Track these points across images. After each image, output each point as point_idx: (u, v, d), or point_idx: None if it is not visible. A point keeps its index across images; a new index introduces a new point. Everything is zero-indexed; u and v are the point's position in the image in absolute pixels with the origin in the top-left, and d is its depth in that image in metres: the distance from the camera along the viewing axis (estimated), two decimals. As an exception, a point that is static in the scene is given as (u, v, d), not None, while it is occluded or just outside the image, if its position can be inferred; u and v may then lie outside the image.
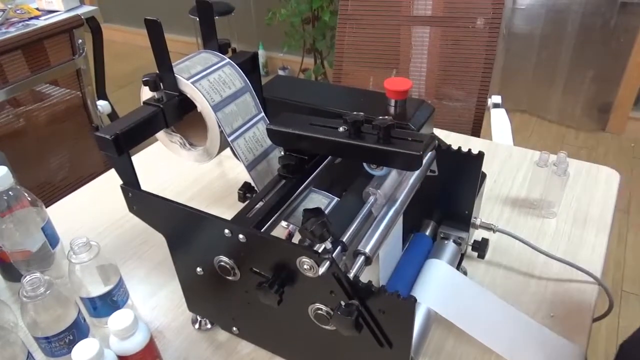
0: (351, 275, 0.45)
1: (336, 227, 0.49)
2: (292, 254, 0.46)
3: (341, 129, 0.53)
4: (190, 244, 0.56)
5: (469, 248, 0.70)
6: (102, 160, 1.45)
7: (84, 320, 0.63)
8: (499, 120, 1.23)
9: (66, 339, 0.60)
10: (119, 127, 0.53)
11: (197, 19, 0.64)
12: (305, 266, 0.46)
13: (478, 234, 0.72)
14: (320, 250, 0.45)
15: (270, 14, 2.48)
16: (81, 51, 1.30)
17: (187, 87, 0.57)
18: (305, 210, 0.49)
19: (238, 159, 0.60)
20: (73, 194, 0.93)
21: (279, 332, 0.57)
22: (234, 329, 0.62)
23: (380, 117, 0.51)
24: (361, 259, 0.46)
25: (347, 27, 1.41)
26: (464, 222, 0.67)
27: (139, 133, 0.55)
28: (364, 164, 0.54)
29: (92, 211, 0.87)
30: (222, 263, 0.53)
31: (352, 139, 0.51)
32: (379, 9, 1.37)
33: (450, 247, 0.66)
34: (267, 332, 0.59)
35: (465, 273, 0.71)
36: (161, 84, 0.57)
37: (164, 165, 0.98)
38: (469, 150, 0.61)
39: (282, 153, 0.57)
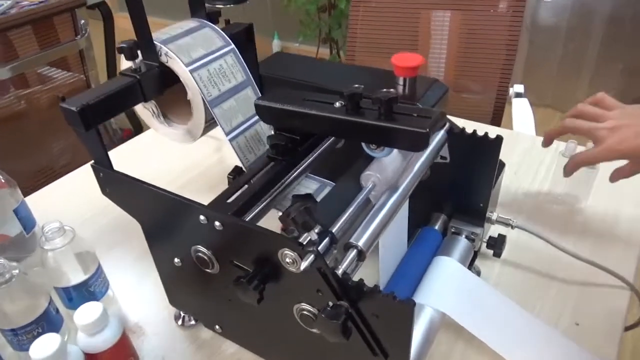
0: (340, 271, 0.38)
1: (328, 216, 0.43)
2: (274, 245, 0.40)
3: (337, 104, 0.47)
4: (166, 232, 0.50)
5: (484, 245, 0.63)
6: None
7: (57, 312, 0.58)
8: (520, 109, 1.15)
9: (34, 332, 0.54)
10: (87, 98, 0.47)
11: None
12: (287, 260, 0.40)
13: (494, 231, 0.64)
14: (305, 242, 0.39)
15: (286, 1, 2.41)
16: (83, 32, 1.25)
17: (181, 70, 0.51)
18: (295, 196, 0.43)
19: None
20: (61, 179, 0.88)
21: (263, 333, 0.51)
22: (217, 327, 0.56)
23: (382, 90, 0.44)
24: (353, 253, 0.40)
25: (361, 13, 1.34)
26: (478, 216, 0.60)
27: (111, 106, 0.49)
28: (364, 145, 0.47)
29: (78, 198, 0.82)
30: (200, 254, 0.47)
31: (349, 115, 0.44)
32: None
33: (461, 244, 0.59)
34: (251, 332, 0.53)
35: (478, 273, 0.64)
36: (139, 52, 0.51)
37: (159, 151, 0.93)
38: (485, 133, 0.54)
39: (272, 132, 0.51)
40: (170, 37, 0.53)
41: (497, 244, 0.61)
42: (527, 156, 0.85)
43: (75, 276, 0.59)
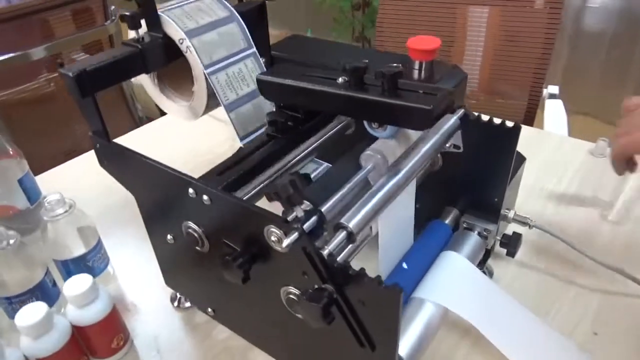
0: (325, 252, 0.35)
1: (322, 196, 0.40)
2: (259, 222, 0.38)
3: (340, 79, 0.44)
4: (158, 206, 0.49)
5: (497, 244, 0.59)
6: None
7: (54, 284, 0.58)
8: (553, 110, 1.09)
9: (29, 302, 0.54)
10: (86, 65, 0.46)
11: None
12: (273, 238, 0.37)
13: (511, 230, 0.60)
14: (290, 219, 0.36)
15: (320, -2, 2.40)
16: (113, 17, 1.27)
17: (165, 22, 0.50)
18: (287, 174, 0.41)
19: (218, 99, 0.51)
20: (75, 159, 0.89)
21: (253, 318, 0.49)
22: (209, 309, 0.54)
23: (387, 65, 0.41)
24: (342, 234, 0.37)
25: (389, 6, 1.30)
26: (493, 212, 0.56)
27: (110, 74, 0.48)
28: (366, 124, 0.44)
29: (89, 178, 0.82)
30: (190, 230, 0.45)
31: (350, 91, 0.42)
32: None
33: (472, 240, 0.55)
34: (241, 316, 0.51)
35: (491, 274, 0.60)
36: (143, 23, 0.50)
37: (175, 137, 0.92)
38: (503, 121, 0.50)
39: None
40: (196, 27, 0.51)
41: (511, 243, 0.57)
42: (555, 156, 0.80)
43: (74, 250, 0.59)
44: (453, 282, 0.50)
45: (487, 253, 0.58)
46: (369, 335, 0.37)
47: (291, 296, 0.40)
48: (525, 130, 0.51)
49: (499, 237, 0.58)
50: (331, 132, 0.55)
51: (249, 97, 0.54)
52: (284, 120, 0.46)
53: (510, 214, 0.58)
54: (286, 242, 0.35)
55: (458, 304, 0.48)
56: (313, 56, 0.63)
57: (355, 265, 0.35)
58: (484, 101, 1.33)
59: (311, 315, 0.35)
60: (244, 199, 0.44)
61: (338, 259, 0.37)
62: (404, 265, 0.49)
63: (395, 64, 0.41)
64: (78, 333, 0.50)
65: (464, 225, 0.58)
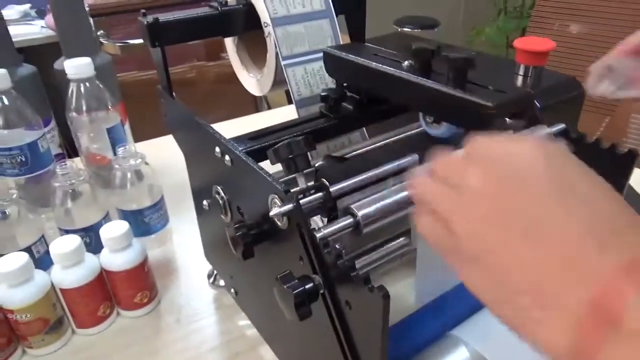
0: (320, 234, 0.30)
1: (340, 177, 0.35)
2: (266, 189, 0.33)
3: (406, 63, 0.38)
4: (198, 167, 0.47)
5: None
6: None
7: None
8: None
9: (84, 239, 0.57)
10: (163, 16, 0.47)
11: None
12: (274, 209, 0.33)
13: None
14: (293, 191, 0.32)
15: (475, 31, 2.30)
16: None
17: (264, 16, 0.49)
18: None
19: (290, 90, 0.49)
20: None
21: (262, 307, 0.44)
22: (232, 290, 0.51)
23: (460, 50, 0.35)
24: (347, 220, 0.31)
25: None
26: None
27: (185, 30, 0.48)
28: (421, 118, 0.38)
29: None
30: (217, 196, 0.43)
31: (410, 75, 0.36)
32: (593, 15, 1.11)
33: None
34: (253, 303, 0.47)
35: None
36: (232, -12, 0.50)
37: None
38: (612, 145, 0.39)
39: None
40: (284, 16, 0.49)
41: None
42: None
43: (136, 202, 0.60)
44: (500, 332, 0.40)
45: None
46: (353, 344, 0.30)
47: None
48: (643, 161, 0.40)
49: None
50: (411, 131, 0.48)
51: (301, 17, 0.49)
52: (338, 97, 0.42)
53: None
54: (276, 210, 0.30)
55: (499, 358, 0.37)
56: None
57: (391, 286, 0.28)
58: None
59: (284, 303, 0.29)
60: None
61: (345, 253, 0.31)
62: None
63: (469, 50, 0.34)
64: (107, 277, 0.51)
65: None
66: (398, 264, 0.45)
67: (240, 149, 0.37)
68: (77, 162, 0.62)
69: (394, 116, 0.45)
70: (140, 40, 1.30)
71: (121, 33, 1.31)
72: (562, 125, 0.42)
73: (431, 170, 0.26)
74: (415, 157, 0.35)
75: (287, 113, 0.98)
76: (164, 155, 0.67)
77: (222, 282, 0.56)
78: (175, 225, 0.66)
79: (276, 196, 0.33)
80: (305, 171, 0.31)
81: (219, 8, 0.49)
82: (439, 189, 0.25)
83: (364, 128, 0.50)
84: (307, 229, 0.30)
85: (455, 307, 0.41)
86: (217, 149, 0.39)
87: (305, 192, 0.31)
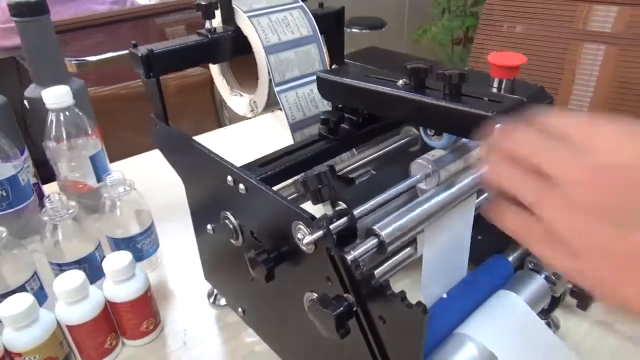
0: (350, 257, 0.32)
1: (359, 200, 0.37)
2: (288, 216, 0.35)
3: (401, 81, 0.41)
4: (201, 193, 0.48)
5: (568, 293, 0.51)
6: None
7: (103, 259, 0.59)
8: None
9: (77, 272, 0.56)
10: (155, 47, 0.47)
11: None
12: (299, 235, 0.35)
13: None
14: (319, 218, 0.34)
15: (421, 31, 2.39)
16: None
17: (243, 21, 0.50)
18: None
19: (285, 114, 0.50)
20: (150, 152, 0.93)
21: (278, 324, 0.46)
22: (240, 309, 0.52)
23: (452, 67, 0.38)
24: (372, 241, 0.33)
25: (489, 38, 1.25)
26: (566, 255, 0.49)
27: (177, 59, 0.49)
28: (422, 132, 0.41)
29: (157, 169, 0.85)
30: (227, 221, 0.44)
31: (407, 92, 0.39)
32: (538, 17, 1.18)
33: (536, 283, 0.48)
34: (267, 321, 0.48)
35: (556, 326, 0.52)
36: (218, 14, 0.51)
37: (249, 141, 0.94)
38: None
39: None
40: (276, 44, 0.51)
41: (584, 292, 0.49)
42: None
43: (127, 229, 0.60)
44: (506, 326, 0.44)
45: (555, 302, 0.51)
46: (388, 358, 0.32)
47: (311, 303, 0.36)
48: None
49: (570, 285, 0.50)
50: (393, 145, 0.51)
51: (291, 44, 0.52)
52: (337, 120, 0.44)
53: (589, 262, 0.50)
54: (308, 238, 0.32)
55: (507, 352, 0.41)
56: (385, 67, 0.60)
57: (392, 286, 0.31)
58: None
59: (322, 323, 0.31)
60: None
61: (366, 269, 0.34)
62: (444, 295, 0.43)
63: (460, 67, 0.37)
64: (111, 309, 0.51)
65: (530, 266, 0.51)
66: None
67: (255, 177, 0.39)
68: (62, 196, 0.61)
69: (388, 131, 0.48)
70: (98, 57, 1.28)
71: (73, 50, 1.27)
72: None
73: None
74: (429, 173, 0.38)
75: (249, 127, 0.99)
76: (140, 174, 0.67)
77: (222, 301, 0.57)
78: (164, 247, 0.66)
79: (300, 222, 0.34)
80: (328, 201, 0.33)
81: (209, 35, 0.50)
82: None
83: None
84: (337, 252, 0.32)
85: (460, 305, 0.45)
86: (230, 178, 0.40)
87: (332, 219, 0.33)
